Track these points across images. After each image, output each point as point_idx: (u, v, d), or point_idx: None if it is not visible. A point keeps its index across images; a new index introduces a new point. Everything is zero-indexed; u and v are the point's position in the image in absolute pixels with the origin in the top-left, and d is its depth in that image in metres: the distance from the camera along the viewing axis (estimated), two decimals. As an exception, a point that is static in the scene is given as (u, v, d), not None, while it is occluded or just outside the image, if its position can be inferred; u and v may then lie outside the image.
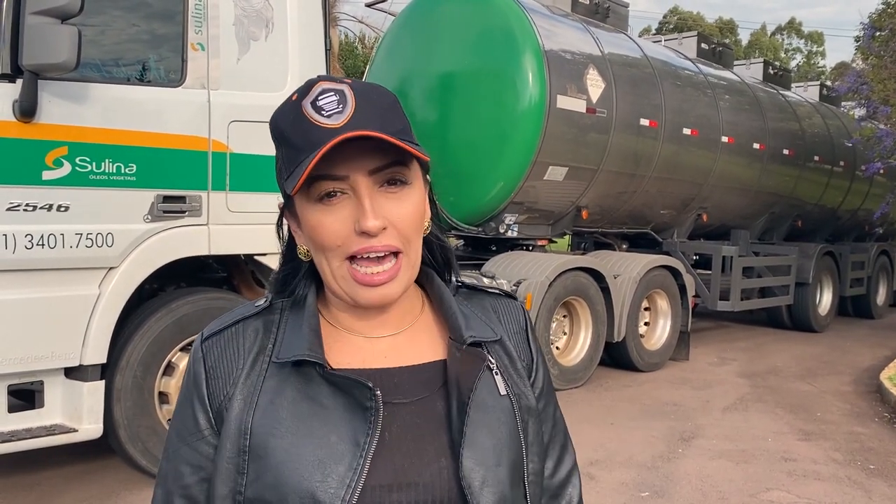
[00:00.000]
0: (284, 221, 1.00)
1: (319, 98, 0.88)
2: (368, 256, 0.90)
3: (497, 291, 1.10)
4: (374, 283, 0.90)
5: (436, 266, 1.05)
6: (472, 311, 1.02)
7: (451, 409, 0.93)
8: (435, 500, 0.90)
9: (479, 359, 0.97)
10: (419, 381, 0.95)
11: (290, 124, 0.89)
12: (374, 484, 0.88)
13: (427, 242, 1.00)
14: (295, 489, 0.87)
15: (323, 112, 0.87)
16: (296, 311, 0.98)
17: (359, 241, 0.89)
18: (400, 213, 0.90)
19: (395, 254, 0.91)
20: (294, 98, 0.90)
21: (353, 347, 0.97)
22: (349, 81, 0.90)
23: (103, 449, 4.34)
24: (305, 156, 0.86)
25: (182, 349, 4.25)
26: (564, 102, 6.76)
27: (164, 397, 4.20)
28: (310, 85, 0.90)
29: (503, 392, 0.97)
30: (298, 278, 1.00)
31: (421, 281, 1.03)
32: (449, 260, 1.06)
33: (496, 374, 0.98)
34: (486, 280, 6.34)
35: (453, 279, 1.06)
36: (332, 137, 0.85)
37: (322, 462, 0.88)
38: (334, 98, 0.88)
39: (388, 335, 0.98)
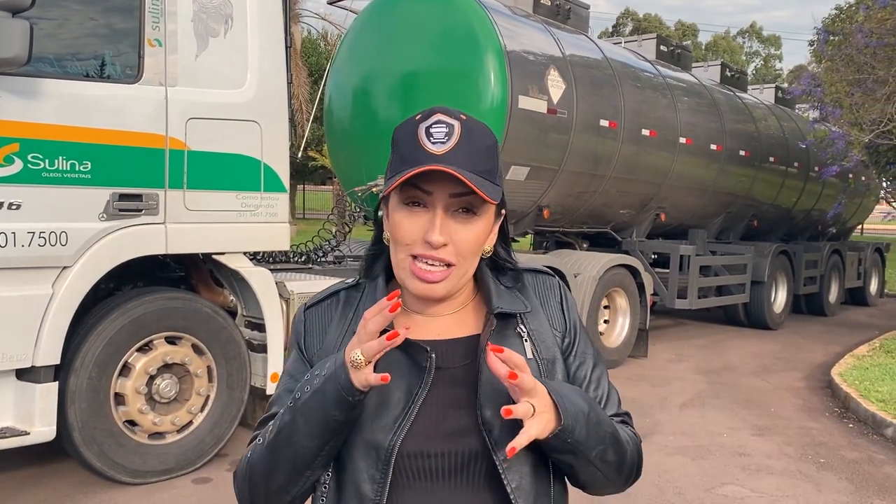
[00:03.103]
0: (381, 209, 1.21)
1: (433, 126, 1.09)
2: (426, 260, 1.10)
3: (531, 269, 1.29)
4: (424, 279, 1.11)
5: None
6: (508, 288, 1.23)
7: (480, 372, 1.13)
8: (468, 446, 1.12)
9: (499, 325, 1.16)
10: (463, 351, 1.17)
11: (404, 139, 1.11)
12: (417, 432, 1.11)
13: (492, 260, 1.23)
14: (358, 423, 1.11)
15: (431, 139, 1.08)
16: (373, 290, 1.21)
17: (423, 246, 1.10)
18: (462, 237, 1.11)
19: (449, 265, 1.11)
20: (417, 118, 1.11)
21: (413, 323, 1.17)
22: (463, 118, 1.10)
23: (57, 452, 4.26)
24: (407, 168, 1.07)
25: (139, 349, 4.18)
26: (526, 103, 6.79)
27: (120, 399, 4.12)
28: (431, 112, 1.11)
29: (530, 356, 1.17)
30: (379, 262, 1.23)
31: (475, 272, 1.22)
32: (504, 274, 1.25)
33: (525, 340, 1.19)
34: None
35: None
36: (429, 162, 1.06)
37: (378, 406, 1.11)
38: (444, 130, 1.08)
39: (442, 315, 1.20)
